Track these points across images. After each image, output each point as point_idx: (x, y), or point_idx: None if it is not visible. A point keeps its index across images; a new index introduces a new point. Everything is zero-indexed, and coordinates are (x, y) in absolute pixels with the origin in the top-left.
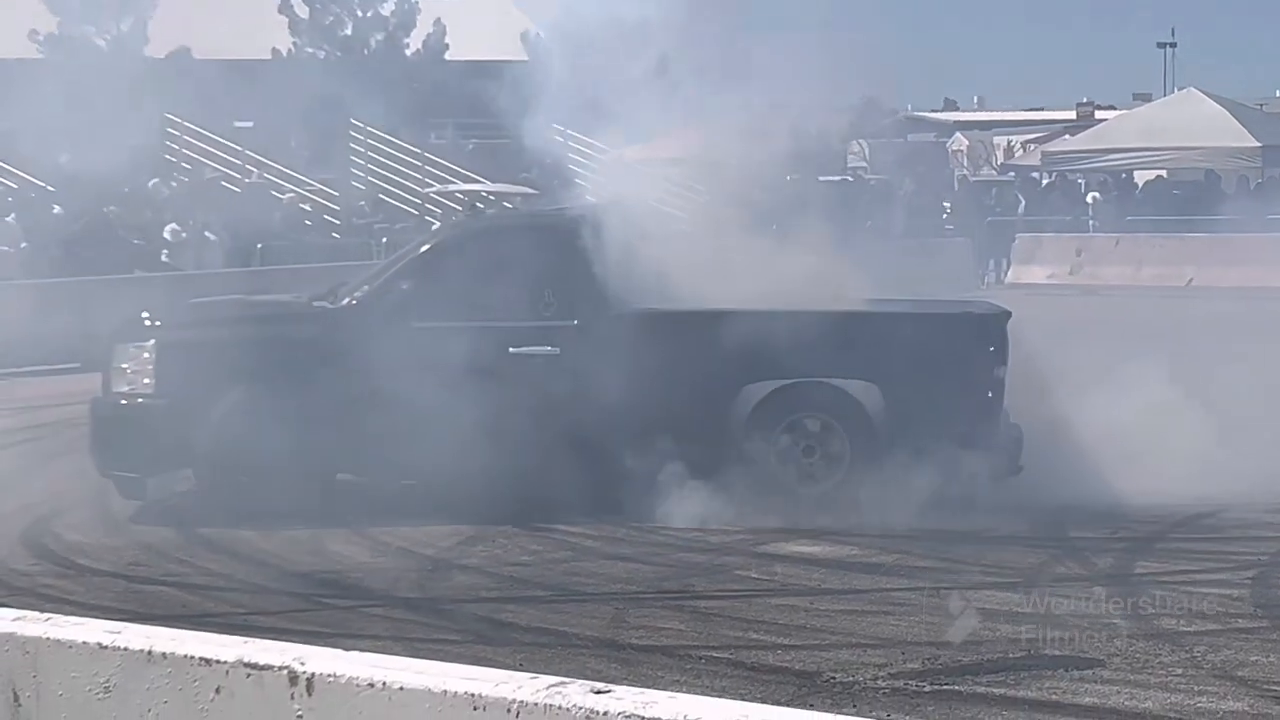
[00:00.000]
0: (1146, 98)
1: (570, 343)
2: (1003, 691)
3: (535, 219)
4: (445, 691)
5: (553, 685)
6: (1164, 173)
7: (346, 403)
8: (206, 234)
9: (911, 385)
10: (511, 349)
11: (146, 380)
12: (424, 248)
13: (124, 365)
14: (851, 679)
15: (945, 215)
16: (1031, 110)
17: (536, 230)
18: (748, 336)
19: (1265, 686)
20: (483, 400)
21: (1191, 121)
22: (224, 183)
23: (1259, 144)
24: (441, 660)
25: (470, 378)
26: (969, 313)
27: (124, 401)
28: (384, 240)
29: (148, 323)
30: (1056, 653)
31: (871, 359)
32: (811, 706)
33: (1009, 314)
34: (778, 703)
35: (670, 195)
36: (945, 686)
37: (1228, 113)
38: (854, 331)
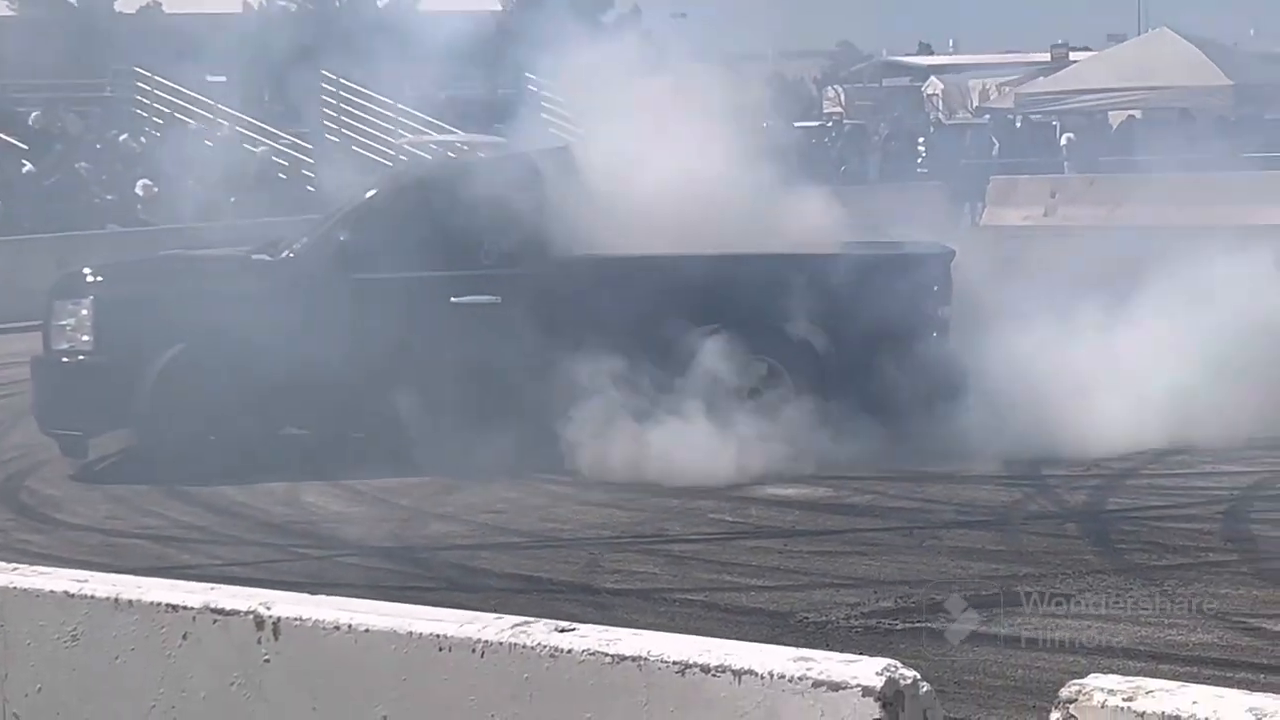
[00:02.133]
0: (1121, 38)
1: (513, 291)
2: (975, 628)
3: (474, 166)
4: (411, 633)
5: (517, 625)
6: (1138, 113)
7: (286, 357)
8: (181, 189)
9: (856, 326)
10: (453, 299)
11: (85, 337)
12: (362, 198)
13: (63, 322)
14: (824, 618)
15: (920, 159)
16: (1006, 53)
17: (475, 177)
18: (692, 282)
19: (1234, 619)
20: (425, 351)
21: (1164, 61)
22: (206, 140)
23: (1231, 82)
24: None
25: (411, 328)
26: (910, 253)
27: (64, 359)
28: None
29: (87, 278)
30: (1029, 589)
31: (816, 301)
32: (784, 645)
33: (952, 253)
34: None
35: (644, 141)
36: (918, 625)
37: (1201, 52)
38: (798, 274)
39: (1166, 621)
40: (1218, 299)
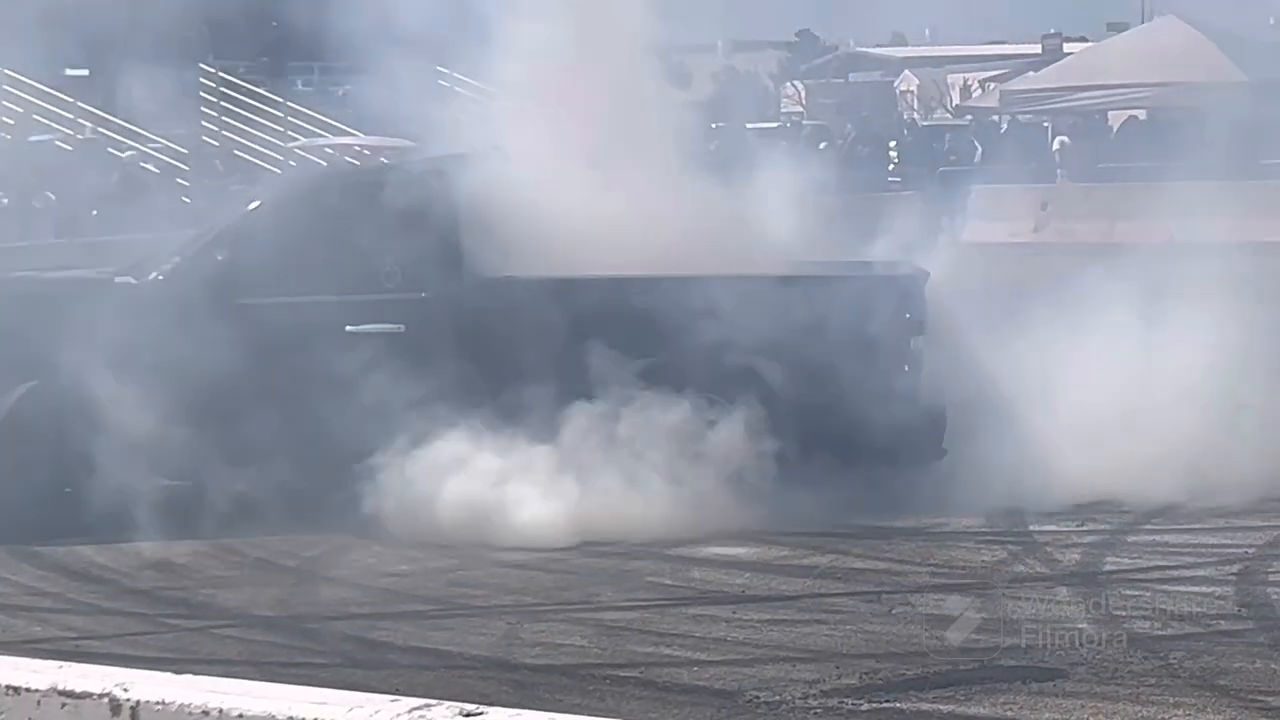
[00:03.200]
0: (1122, 28)
1: (419, 318)
2: (952, 708)
3: (374, 174)
4: (291, 718)
5: (415, 708)
6: (1141, 113)
7: (155, 397)
8: (34, 203)
9: (817, 359)
10: (349, 327)
11: None
12: (244, 210)
13: None
14: (778, 698)
15: (892, 166)
16: (991, 44)
17: (376, 187)
18: (628, 307)
19: (1249, 696)
20: (317, 388)
21: (1172, 54)
22: (57, 142)
23: (1247, 78)
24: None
25: (301, 362)
26: (880, 275)
27: None
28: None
29: None
30: (1013, 663)
31: (770, 330)
32: None
33: (927, 275)
34: None
35: (571, 145)
36: (886, 704)
37: (1213, 44)
38: (750, 299)
39: (1171, 700)
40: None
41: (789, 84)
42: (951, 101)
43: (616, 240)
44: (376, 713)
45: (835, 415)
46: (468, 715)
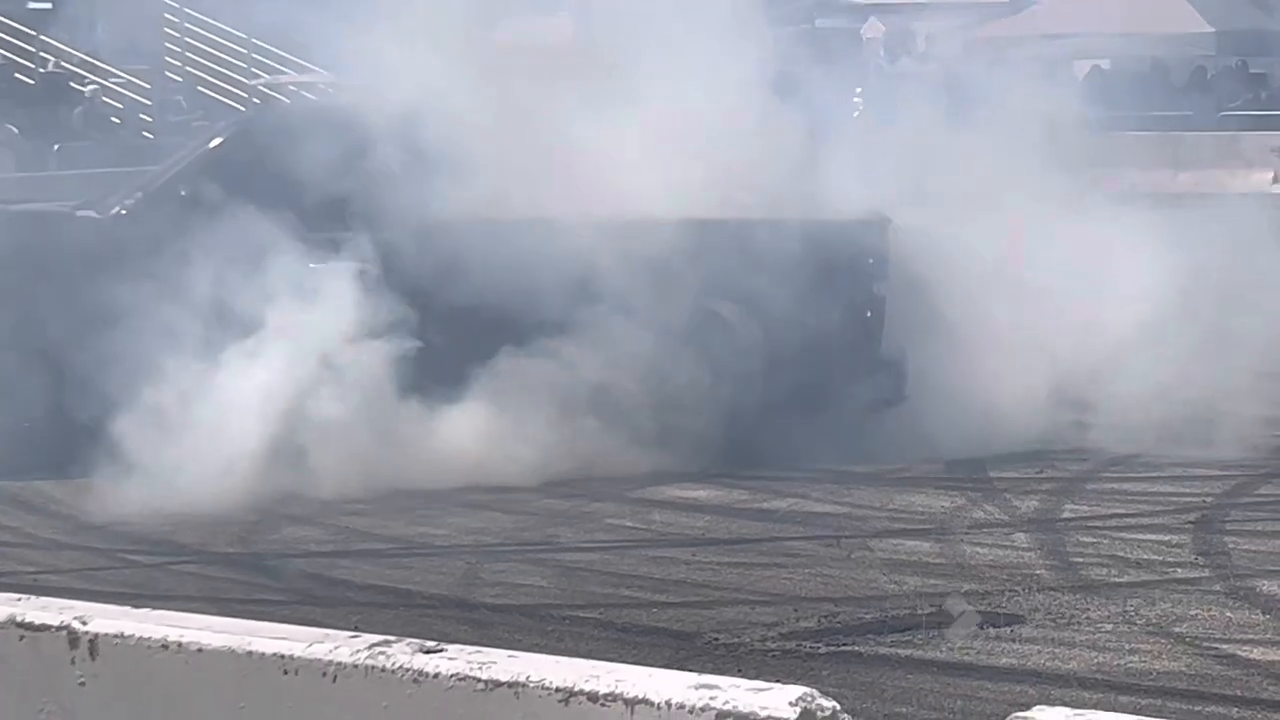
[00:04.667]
0: None
1: (382, 256)
2: (909, 653)
3: (342, 109)
4: (250, 653)
5: (375, 645)
6: (1105, 62)
7: (117, 330)
8: None
9: (779, 303)
10: (314, 266)
11: None
12: (208, 145)
13: None
14: (737, 640)
15: (856, 115)
16: None
17: (339, 123)
18: (588, 248)
19: (1205, 644)
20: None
21: (1137, 4)
22: (16, 74)
23: (1213, 29)
24: None
25: (265, 301)
26: (841, 221)
27: None
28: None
29: None
30: (971, 608)
31: (734, 274)
32: (689, 671)
33: (889, 221)
34: (650, 667)
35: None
36: (844, 647)
37: None
38: (715, 243)
39: (1127, 646)
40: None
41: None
42: (919, 49)
43: (584, 183)
44: (336, 648)
45: (795, 359)
46: (427, 652)
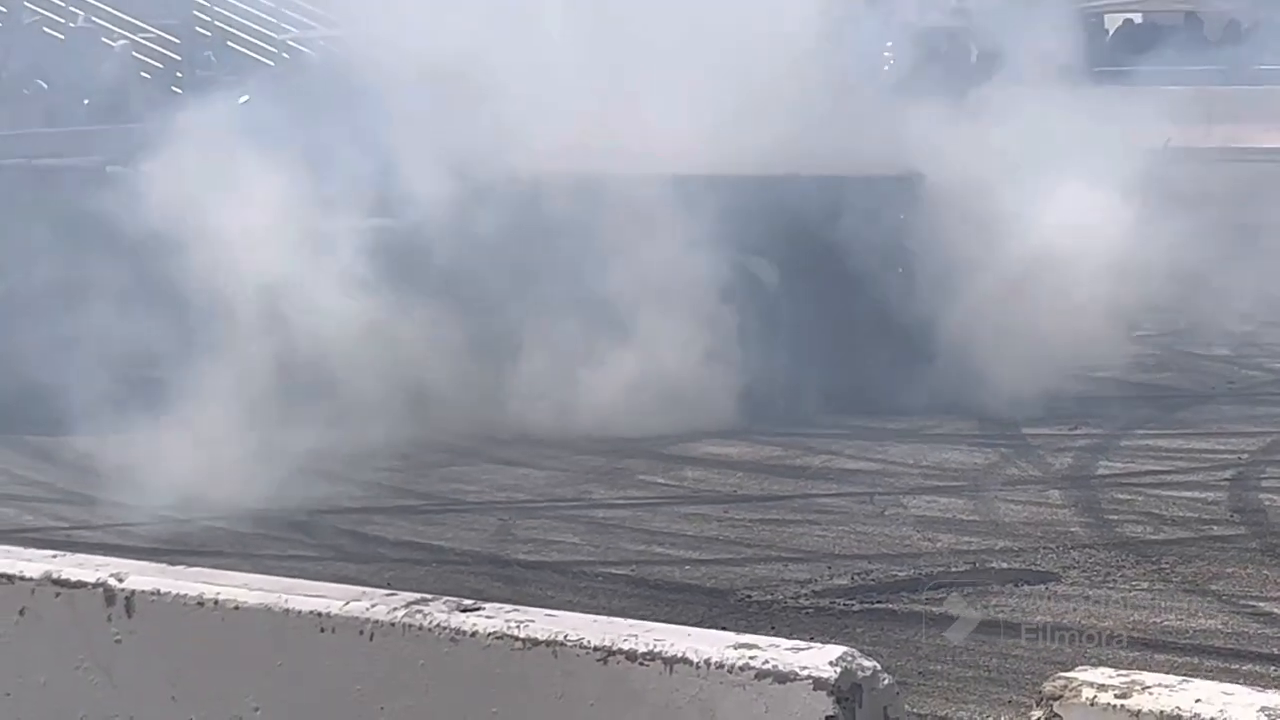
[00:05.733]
0: None
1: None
2: (943, 610)
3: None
4: (288, 610)
5: (412, 603)
6: (1138, 16)
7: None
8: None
9: (810, 259)
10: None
11: None
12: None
13: None
14: (770, 597)
15: (886, 68)
16: None
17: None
18: (630, 202)
19: (1241, 601)
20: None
21: None
22: (45, 29)
23: None
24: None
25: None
26: (872, 176)
27: None
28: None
29: None
30: (1005, 565)
31: (764, 229)
32: (723, 628)
33: (922, 177)
34: (684, 624)
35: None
36: (877, 605)
37: None
38: (744, 199)
39: (1163, 604)
40: None
41: None
42: (949, 2)
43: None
44: (373, 606)
45: (827, 315)
46: (465, 610)
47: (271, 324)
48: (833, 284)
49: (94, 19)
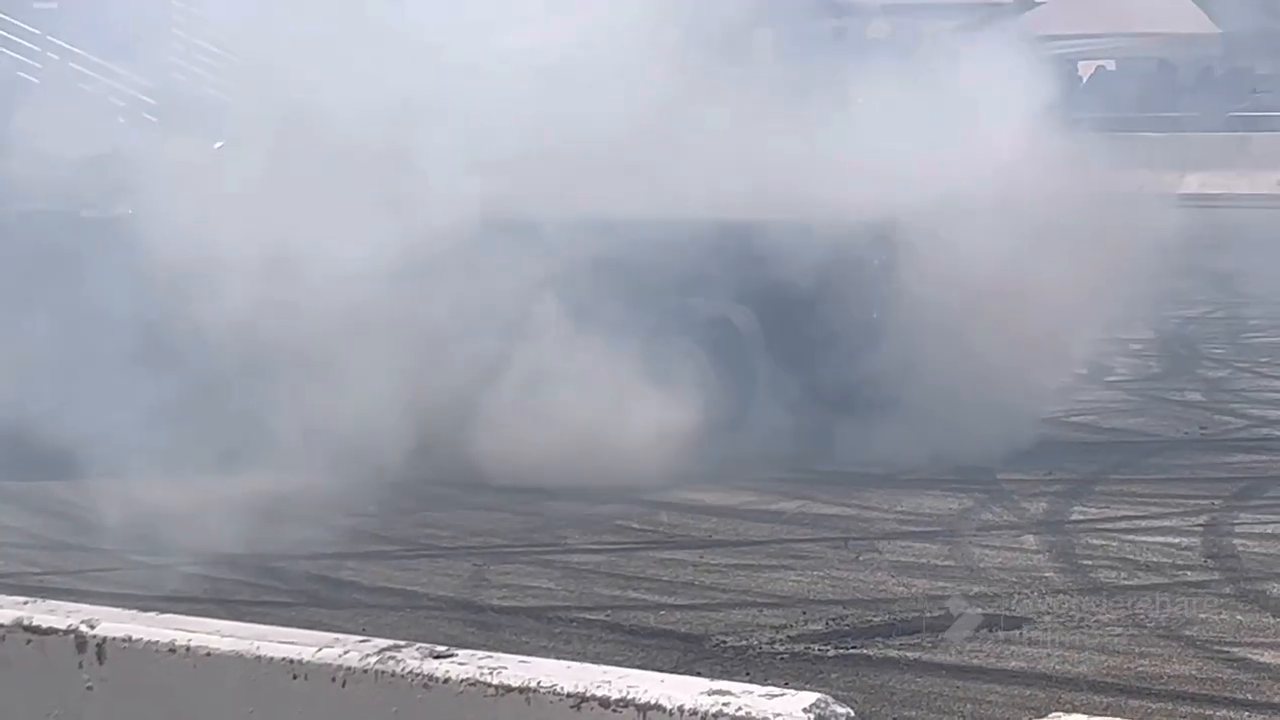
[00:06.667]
0: None
1: None
2: (918, 655)
3: None
4: (260, 657)
5: (385, 649)
6: (1111, 63)
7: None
8: None
9: (788, 306)
10: None
11: None
12: None
13: None
14: (745, 642)
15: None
16: None
17: None
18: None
19: (1215, 647)
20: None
21: (1144, 4)
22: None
23: (1219, 30)
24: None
25: None
26: (849, 222)
27: None
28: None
29: None
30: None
31: (742, 276)
32: (697, 674)
33: (897, 223)
34: (658, 670)
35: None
36: (852, 650)
37: None
38: (723, 245)
39: (1137, 650)
40: None
41: (761, 30)
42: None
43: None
44: (346, 653)
45: (803, 361)
46: (438, 656)
47: None
48: (808, 330)
49: (72, 64)
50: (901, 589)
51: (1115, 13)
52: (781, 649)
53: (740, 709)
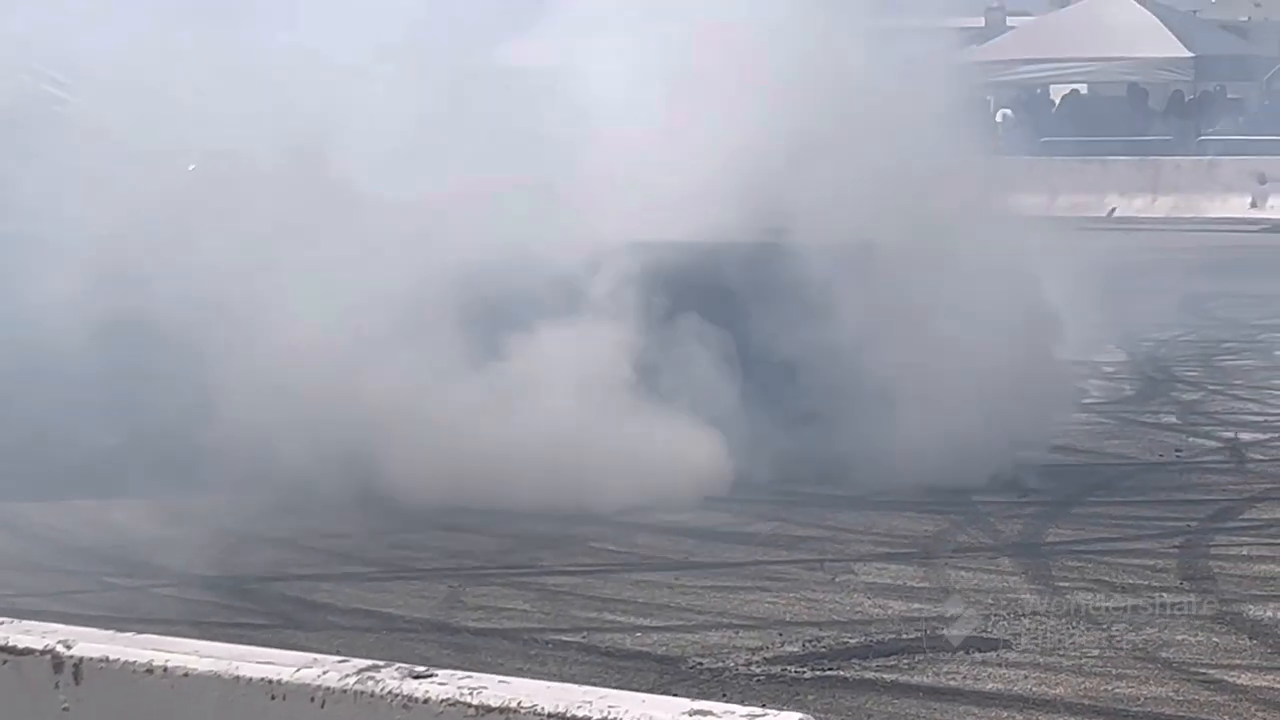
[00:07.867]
0: (1065, 1)
1: None
2: (894, 677)
3: None
4: (238, 678)
5: (364, 670)
6: (1083, 87)
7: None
8: None
9: (763, 327)
10: None
11: None
12: None
13: None
14: (721, 664)
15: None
16: (935, 17)
17: None
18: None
19: (1192, 669)
20: None
21: (1116, 29)
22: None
23: (1191, 54)
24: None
25: None
26: (827, 245)
27: None
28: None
29: None
30: (956, 633)
31: (719, 297)
32: (673, 695)
33: (872, 245)
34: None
35: None
36: (829, 672)
37: (1157, 19)
38: (700, 266)
39: (1114, 672)
40: None
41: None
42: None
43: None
44: (325, 673)
45: (780, 383)
46: (417, 677)
47: None
48: (785, 349)
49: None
50: (878, 610)
51: (1087, 36)
52: (758, 671)
53: None
